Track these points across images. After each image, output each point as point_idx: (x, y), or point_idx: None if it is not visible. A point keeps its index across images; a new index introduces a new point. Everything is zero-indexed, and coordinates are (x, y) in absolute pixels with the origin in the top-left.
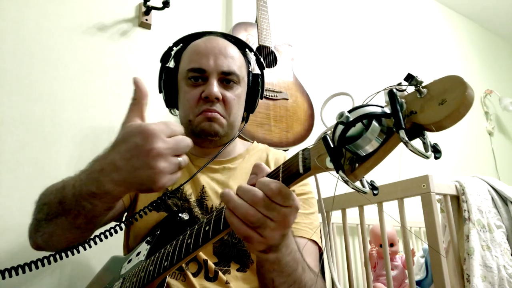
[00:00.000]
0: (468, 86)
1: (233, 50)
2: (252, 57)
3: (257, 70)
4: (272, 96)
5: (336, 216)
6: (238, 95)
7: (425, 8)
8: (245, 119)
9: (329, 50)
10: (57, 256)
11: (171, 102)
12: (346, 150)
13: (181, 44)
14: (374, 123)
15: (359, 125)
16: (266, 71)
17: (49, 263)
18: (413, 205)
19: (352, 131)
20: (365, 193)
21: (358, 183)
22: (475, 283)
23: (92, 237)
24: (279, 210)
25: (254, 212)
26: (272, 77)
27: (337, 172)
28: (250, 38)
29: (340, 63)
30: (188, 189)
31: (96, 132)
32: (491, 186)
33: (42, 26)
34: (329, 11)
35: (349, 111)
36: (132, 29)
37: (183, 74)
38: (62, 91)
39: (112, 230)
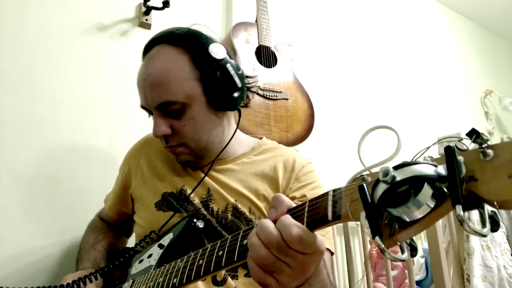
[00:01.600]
0: None
1: (164, 71)
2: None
3: (219, 56)
4: (272, 96)
5: None
6: (189, 117)
7: (425, 8)
8: (239, 113)
9: (329, 50)
10: None
11: None
12: (387, 212)
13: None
14: (426, 186)
15: (405, 186)
16: (266, 71)
17: (96, 278)
18: None
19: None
20: (403, 260)
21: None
22: (475, 283)
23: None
24: (296, 256)
25: (267, 254)
26: (272, 77)
27: (373, 238)
28: (250, 38)
29: (340, 63)
30: (190, 191)
31: (96, 132)
32: None
33: (42, 26)
34: (329, 11)
35: (395, 168)
36: (132, 29)
37: None
38: (62, 91)
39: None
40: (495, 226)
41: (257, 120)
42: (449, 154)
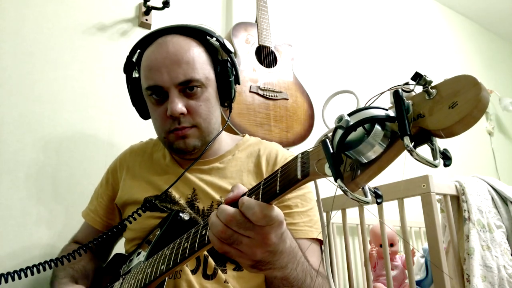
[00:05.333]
0: (483, 87)
1: (187, 52)
2: (217, 42)
3: (232, 49)
4: (272, 96)
5: (336, 216)
6: (205, 98)
7: (425, 8)
8: (228, 107)
9: (329, 50)
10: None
11: (145, 114)
12: (347, 156)
13: (139, 50)
14: (377, 127)
15: (360, 129)
16: (266, 71)
17: (50, 267)
18: (413, 205)
19: (352, 135)
20: (366, 203)
21: (359, 192)
22: (475, 283)
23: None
24: (255, 229)
25: (223, 229)
26: (272, 77)
27: (335, 181)
28: (250, 38)
29: (340, 63)
30: (176, 193)
31: (96, 132)
32: (491, 186)
33: (42, 26)
34: (329, 11)
35: (349, 114)
36: (132, 29)
37: (144, 91)
38: (62, 91)
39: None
40: (447, 161)
41: (257, 120)
42: (396, 95)
